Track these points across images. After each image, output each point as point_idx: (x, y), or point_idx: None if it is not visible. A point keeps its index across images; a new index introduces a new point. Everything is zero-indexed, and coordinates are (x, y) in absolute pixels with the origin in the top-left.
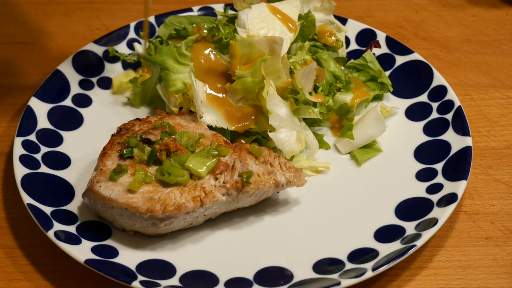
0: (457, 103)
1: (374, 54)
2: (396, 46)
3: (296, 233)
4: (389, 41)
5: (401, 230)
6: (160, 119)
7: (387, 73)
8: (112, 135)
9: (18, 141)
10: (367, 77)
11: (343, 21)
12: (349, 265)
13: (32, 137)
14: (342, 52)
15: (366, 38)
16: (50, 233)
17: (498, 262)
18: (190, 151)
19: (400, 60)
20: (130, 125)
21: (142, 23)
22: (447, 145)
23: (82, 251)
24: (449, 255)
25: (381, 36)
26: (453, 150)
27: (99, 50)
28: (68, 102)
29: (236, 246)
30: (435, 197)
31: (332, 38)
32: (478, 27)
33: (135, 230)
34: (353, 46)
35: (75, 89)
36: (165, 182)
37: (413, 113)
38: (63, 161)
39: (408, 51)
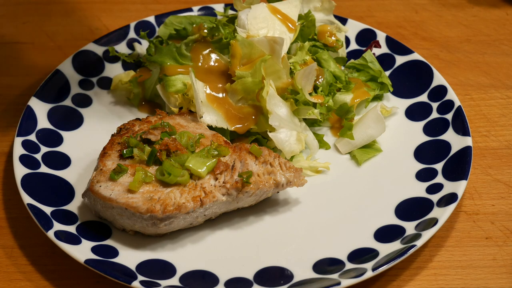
0: (457, 103)
1: (374, 54)
2: (396, 46)
3: (296, 233)
4: (389, 41)
5: (401, 230)
6: (160, 119)
7: (387, 73)
8: (112, 135)
9: (18, 141)
10: (367, 77)
11: (343, 21)
12: (349, 265)
13: (32, 137)
14: (342, 52)
15: (366, 38)
16: (50, 233)
17: (498, 262)
18: (190, 151)
19: (400, 60)
20: (130, 125)
21: (142, 23)
22: (447, 145)
23: (82, 251)
24: (449, 255)
25: (381, 36)
26: (453, 150)
27: (99, 50)
28: (68, 102)
29: (236, 246)
30: (435, 197)
31: (332, 38)
32: (478, 27)
33: (135, 230)
34: (353, 46)
35: (75, 89)
36: (165, 182)
37: (413, 113)
38: (63, 161)
39: (408, 51)
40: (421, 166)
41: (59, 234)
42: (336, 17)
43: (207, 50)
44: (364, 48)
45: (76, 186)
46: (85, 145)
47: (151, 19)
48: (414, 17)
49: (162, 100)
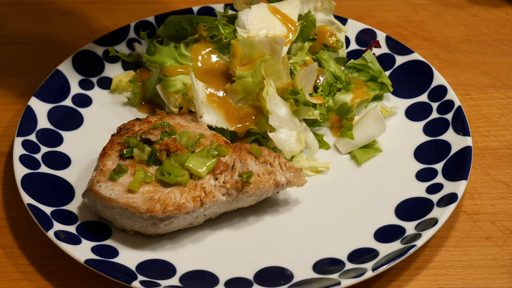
0: (457, 103)
1: (374, 54)
2: (396, 46)
3: (296, 233)
4: (389, 41)
5: (401, 230)
6: (160, 119)
7: (387, 73)
8: (112, 135)
9: (18, 141)
10: (367, 77)
11: (343, 21)
12: (349, 265)
13: (32, 137)
14: (342, 52)
15: (366, 38)
16: (50, 233)
17: (498, 262)
18: (190, 151)
19: (400, 60)
20: (130, 125)
21: (142, 23)
22: (447, 145)
23: (82, 251)
24: (449, 255)
25: (381, 36)
26: (453, 150)
27: (99, 50)
28: (68, 102)
29: (236, 246)
30: (435, 197)
31: (332, 38)
32: (478, 27)
33: (135, 230)
34: (353, 46)
35: (75, 89)
36: (165, 182)
37: (413, 113)
38: (63, 161)
39: (408, 51)
40: (421, 166)
41: (59, 234)
42: (336, 17)
43: (207, 50)
44: (364, 48)
45: (76, 186)
46: (85, 145)
47: (151, 19)
48: (414, 17)
49: (162, 100)
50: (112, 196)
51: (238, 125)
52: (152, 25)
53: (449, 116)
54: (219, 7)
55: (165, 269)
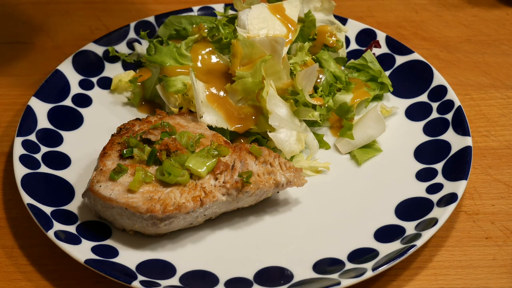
0: (457, 103)
1: (374, 54)
2: (396, 46)
3: (296, 233)
4: (389, 41)
5: (401, 230)
6: (160, 119)
7: (387, 73)
8: (112, 135)
9: (18, 141)
10: (367, 77)
11: (343, 21)
12: (349, 265)
13: (32, 137)
14: (342, 52)
15: (366, 38)
16: (50, 233)
17: (498, 262)
18: (190, 151)
19: (400, 60)
20: (130, 125)
21: (142, 23)
22: (447, 145)
23: (82, 251)
24: (449, 255)
25: (381, 36)
26: (453, 150)
27: (99, 50)
28: (68, 102)
29: (236, 246)
30: (435, 197)
31: (332, 38)
32: (478, 27)
33: (135, 230)
34: (353, 46)
35: (75, 89)
36: (165, 182)
37: (413, 113)
38: (63, 161)
39: (408, 51)
40: (421, 166)
41: (59, 234)
42: (336, 17)
43: (207, 50)
44: (364, 48)
45: (76, 186)
46: (85, 145)
47: (151, 19)
48: (414, 17)
49: (162, 100)
50: (112, 196)
51: (238, 125)
52: (152, 25)
53: (449, 116)
54: (219, 7)
55: (165, 269)
